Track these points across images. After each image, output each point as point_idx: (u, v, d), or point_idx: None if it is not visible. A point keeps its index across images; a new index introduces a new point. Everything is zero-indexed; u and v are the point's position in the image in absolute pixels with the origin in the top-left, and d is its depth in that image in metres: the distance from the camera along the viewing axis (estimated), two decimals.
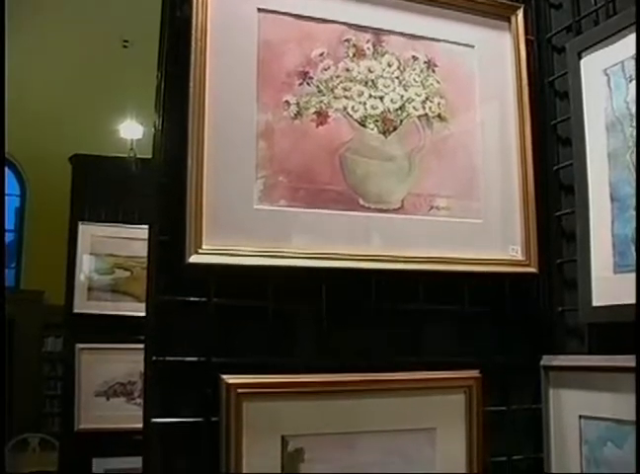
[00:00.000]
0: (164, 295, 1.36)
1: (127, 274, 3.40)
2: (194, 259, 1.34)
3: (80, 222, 3.47)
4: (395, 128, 1.53)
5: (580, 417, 1.52)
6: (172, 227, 1.37)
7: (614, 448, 1.44)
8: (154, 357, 1.35)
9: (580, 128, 1.55)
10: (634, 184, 1.40)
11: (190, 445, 1.36)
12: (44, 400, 8.35)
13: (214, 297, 1.38)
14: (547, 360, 1.59)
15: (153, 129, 1.44)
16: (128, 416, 3.12)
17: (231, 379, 1.33)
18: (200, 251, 1.34)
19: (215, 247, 1.35)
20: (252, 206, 1.40)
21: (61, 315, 3.60)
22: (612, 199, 1.47)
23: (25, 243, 9.79)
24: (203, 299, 1.37)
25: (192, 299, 1.37)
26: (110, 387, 3.33)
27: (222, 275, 1.37)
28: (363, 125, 1.51)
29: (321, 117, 1.48)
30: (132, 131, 7.07)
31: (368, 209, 1.48)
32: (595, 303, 1.49)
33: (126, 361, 3.18)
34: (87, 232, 3.46)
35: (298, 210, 1.43)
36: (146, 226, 1.48)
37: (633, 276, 1.38)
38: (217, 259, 1.35)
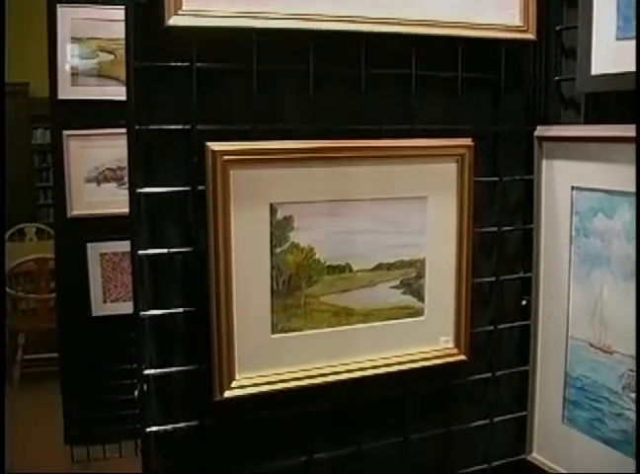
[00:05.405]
0: (144, 61, 1.29)
1: (111, 57, 3.27)
2: (173, 21, 1.26)
3: (58, 4, 3.31)
4: None
5: (572, 188, 1.52)
6: None
7: (605, 219, 1.46)
8: (137, 127, 1.31)
9: None
10: None
11: (177, 214, 1.36)
12: (38, 192, 8.39)
13: (197, 62, 1.31)
14: (541, 131, 1.57)
15: None
16: (119, 200, 3.09)
17: (217, 147, 1.30)
18: (181, 12, 1.25)
19: (196, 7, 1.26)
20: None
21: (48, 106, 3.52)
22: None
23: (5, 33, 9.49)
24: (186, 64, 1.31)
25: (173, 65, 1.31)
26: (100, 173, 3.31)
27: (204, 38, 1.30)
28: None
29: None
30: None
31: None
32: (593, 72, 1.45)
33: (115, 147, 3.11)
34: (67, 15, 3.30)
35: None
36: None
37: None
38: (199, 21, 1.27)
